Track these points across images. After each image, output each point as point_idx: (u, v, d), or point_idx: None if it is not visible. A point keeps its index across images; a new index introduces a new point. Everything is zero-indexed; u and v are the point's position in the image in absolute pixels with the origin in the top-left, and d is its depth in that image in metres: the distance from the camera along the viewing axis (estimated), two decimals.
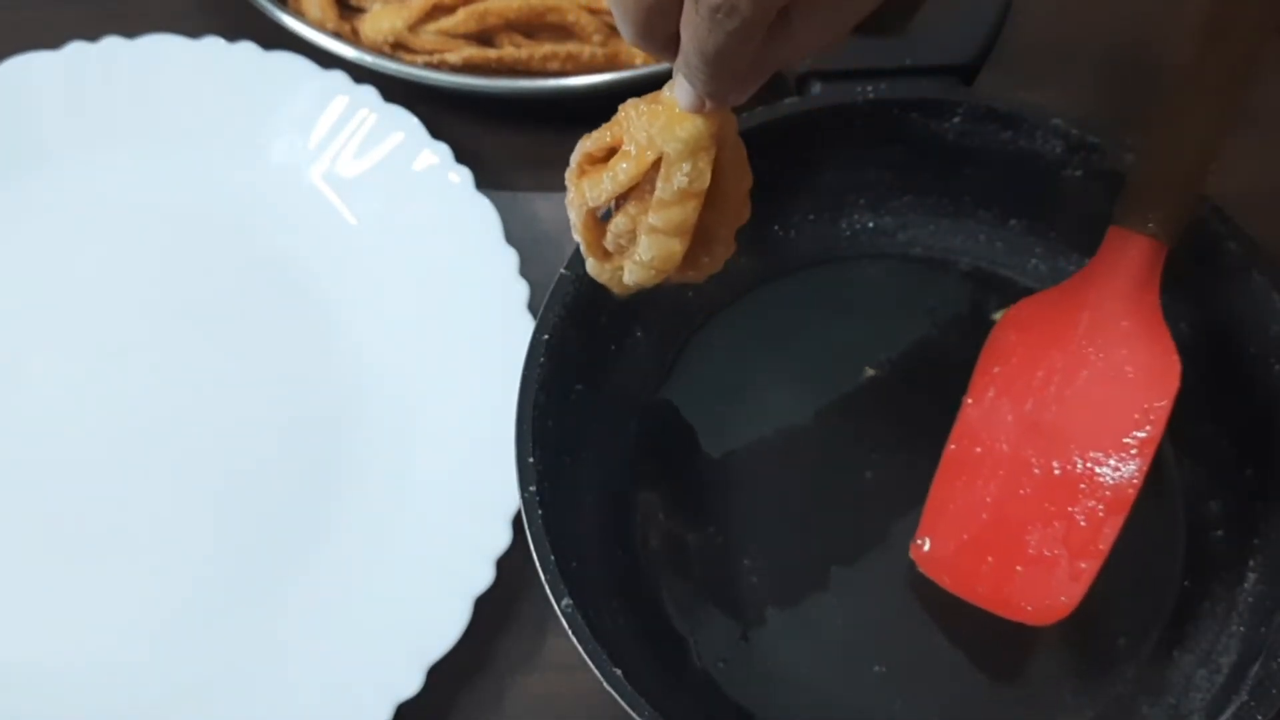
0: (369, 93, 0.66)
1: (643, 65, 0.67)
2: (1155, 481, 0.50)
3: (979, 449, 0.54)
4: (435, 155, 0.65)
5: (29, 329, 0.64)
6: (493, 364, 0.60)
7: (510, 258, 0.62)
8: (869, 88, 0.59)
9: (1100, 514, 0.51)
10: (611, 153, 0.49)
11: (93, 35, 0.68)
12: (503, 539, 0.56)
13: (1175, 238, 0.52)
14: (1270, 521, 0.55)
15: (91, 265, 0.65)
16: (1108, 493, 0.51)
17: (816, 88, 0.59)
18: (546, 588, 0.51)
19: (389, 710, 0.53)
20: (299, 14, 0.68)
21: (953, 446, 0.55)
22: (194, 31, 0.68)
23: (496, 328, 0.61)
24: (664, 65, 0.66)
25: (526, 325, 0.60)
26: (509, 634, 0.58)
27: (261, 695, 0.55)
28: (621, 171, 0.48)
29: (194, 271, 0.65)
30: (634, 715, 0.49)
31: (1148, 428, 0.51)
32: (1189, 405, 0.53)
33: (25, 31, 0.70)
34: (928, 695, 0.54)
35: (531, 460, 0.53)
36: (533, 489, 0.52)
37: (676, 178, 0.47)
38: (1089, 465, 0.52)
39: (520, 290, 0.62)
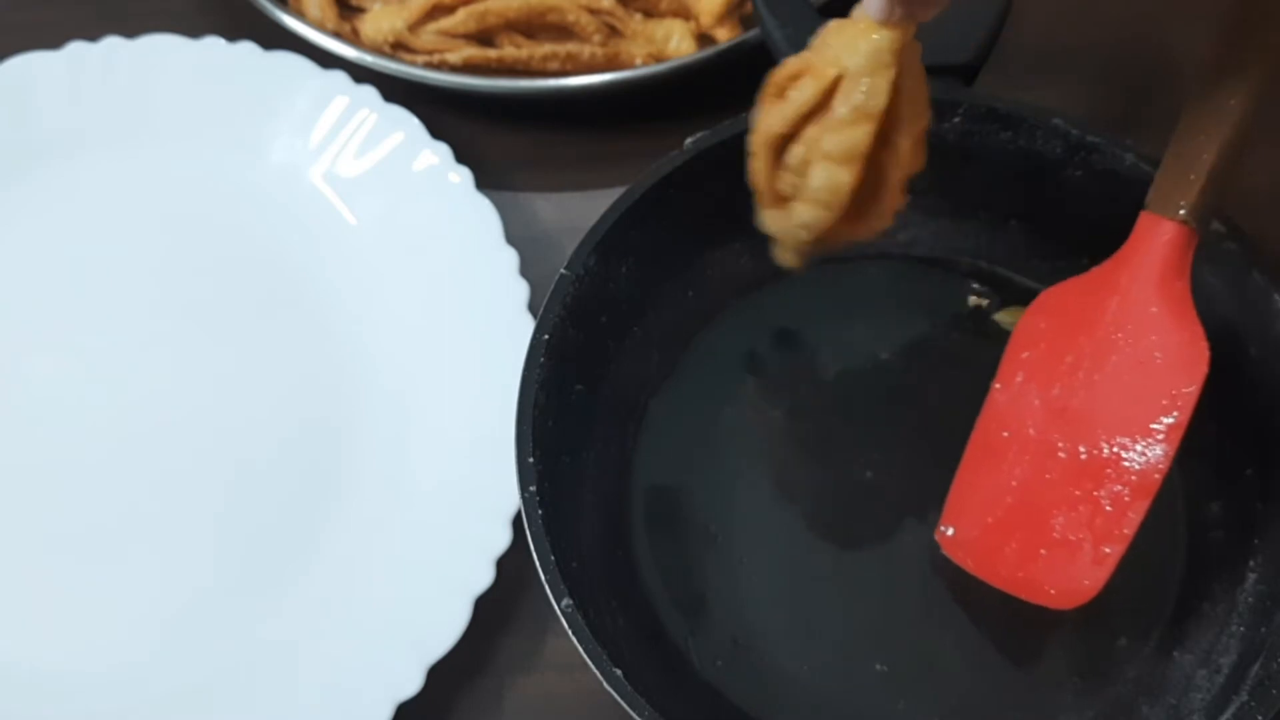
0: (369, 93, 0.66)
1: (643, 65, 0.67)
2: None
3: (1006, 433, 0.55)
4: (435, 155, 0.65)
5: (29, 329, 0.64)
6: (493, 364, 0.60)
7: (510, 258, 0.62)
8: None
9: (1126, 498, 0.51)
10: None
11: (93, 35, 0.68)
12: (503, 539, 0.56)
13: (1206, 224, 0.52)
14: (1270, 522, 0.55)
15: (91, 265, 0.65)
16: (1133, 477, 0.51)
17: None
18: (546, 588, 0.51)
19: (389, 710, 0.53)
20: (299, 14, 0.68)
21: (979, 431, 0.55)
22: (194, 31, 0.68)
23: (496, 328, 0.61)
24: (664, 65, 0.66)
25: (526, 325, 0.60)
26: (509, 634, 0.58)
27: (262, 695, 0.55)
28: (804, 90, 0.48)
29: (194, 271, 0.65)
30: (634, 715, 0.48)
31: (1175, 413, 0.51)
32: None
33: (26, 31, 0.70)
34: (928, 695, 0.54)
35: (531, 460, 0.53)
36: (533, 489, 0.52)
37: (855, 94, 0.47)
38: (1115, 450, 0.51)
39: (520, 290, 0.62)
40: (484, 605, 0.55)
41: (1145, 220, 0.53)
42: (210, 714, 0.55)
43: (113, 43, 0.68)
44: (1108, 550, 0.51)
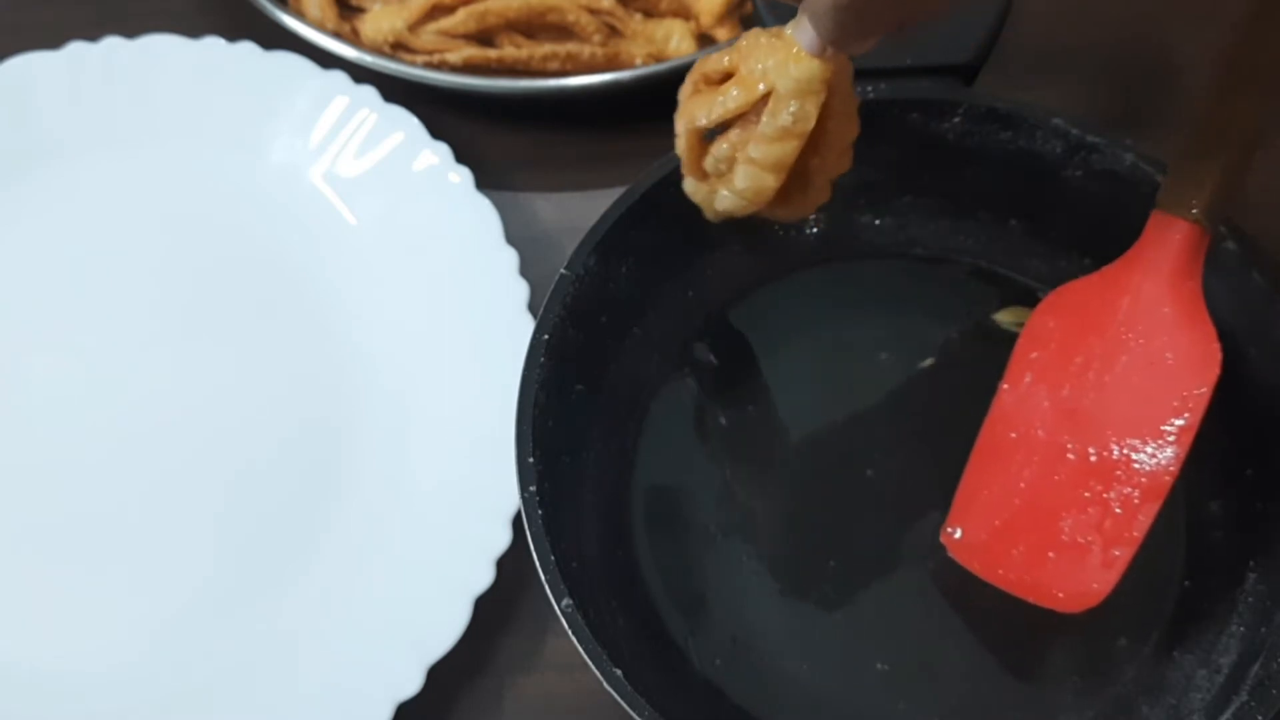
0: (369, 93, 0.66)
1: (643, 65, 0.67)
2: None
3: (1014, 435, 0.54)
4: (435, 155, 0.65)
5: (29, 329, 0.64)
6: (493, 364, 0.60)
7: (510, 258, 0.62)
8: (869, 88, 0.59)
9: (1135, 501, 0.50)
10: (727, 77, 0.49)
11: (93, 35, 0.68)
12: (503, 539, 0.56)
13: (1218, 224, 0.52)
14: (1270, 522, 0.55)
15: (91, 265, 0.65)
16: (1144, 480, 0.51)
17: None
18: (546, 588, 0.51)
19: (389, 710, 0.53)
20: (299, 14, 0.68)
21: (987, 432, 0.55)
22: (194, 31, 0.68)
23: (496, 328, 0.61)
24: (664, 65, 0.66)
25: (526, 325, 0.60)
26: (509, 634, 0.58)
27: (262, 694, 0.55)
28: (731, 99, 0.49)
29: (194, 271, 0.65)
30: (634, 715, 0.49)
31: (1186, 415, 0.50)
32: None
33: (26, 32, 0.70)
34: (928, 695, 0.54)
35: (531, 460, 0.53)
36: (533, 489, 0.52)
37: (782, 115, 0.48)
38: (1125, 452, 0.51)
39: (520, 290, 0.62)
40: (484, 605, 0.55)
41: (1157, 219, 0.52)
42: (210, 714, 0.55)
43: (113, 43, 0.68)
44: (1117, 553, 0.50)
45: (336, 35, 0.67)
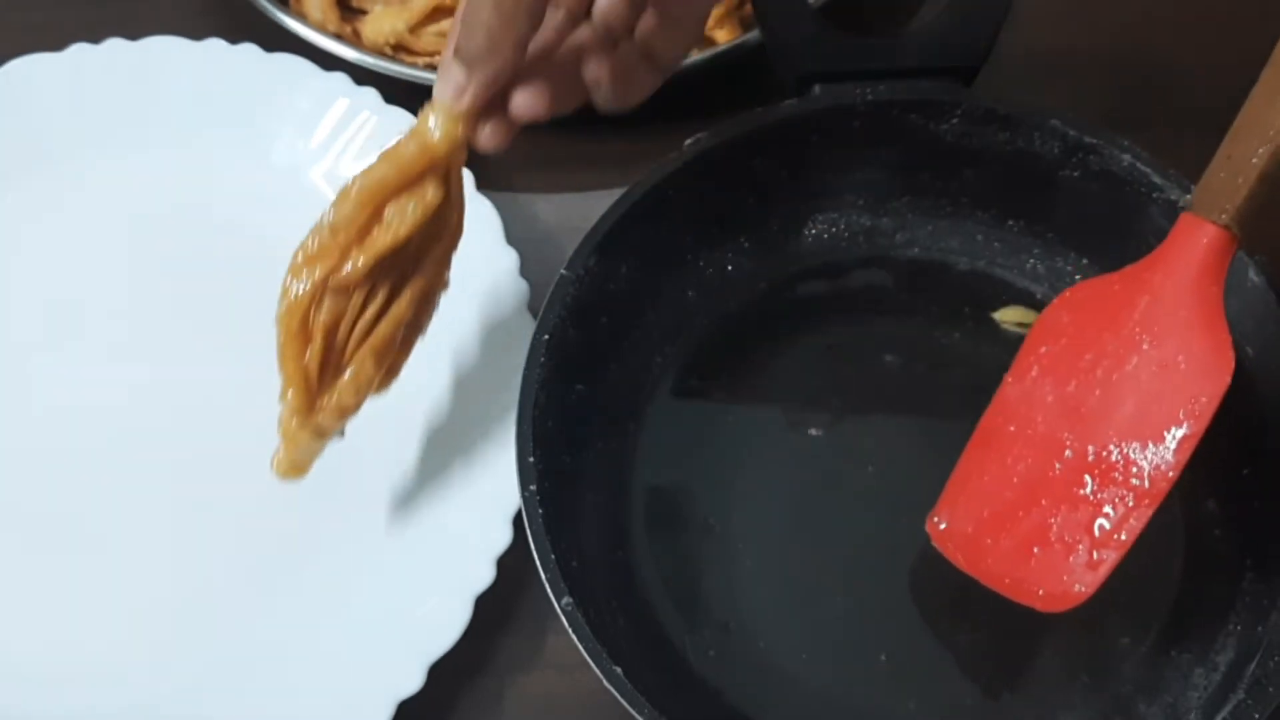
0: (370, 95, 0.66)
1: None
2: None
3: (1013, 427, 0.54)
4: None
5: (30, 330, 0.64)
6: (493, 364, 0.60)
7: (510, 258, 0.62)
8: (868, 89, 0.59)
9: (1128, 505, 0.50)
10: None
11: (95, 37, 0.68)
12: (503, 538, 0.56)
13: (1248, 231, 0.51)
14: (1267, 521, 0.55)
15: (93, 266, 0.65)
16: (1139, 484, 0.50)
17: (816, 89, 0.60)
18: (547, 587, 0.51)
19: (390, 708, 0.54)
20: (300, 16, 0.68)
21: (985, 423, 0.54)
22: (196, 33, 0.68)
23: (496, 328, 0.61)
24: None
25: (526, 325, 0.60)
26: (509, 633, 0.58)
27: (262, 693, 0.55)
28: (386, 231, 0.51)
29: (196, 272, 0.65)
30: (634, 714, 0.49)
31: (1190, 423, 0.49)
32: None
33: (28, 33, 0.70)
34: (926, 693, 0.55)
35: (531, 460, 0.53)
36: (533, 488, 0.52)
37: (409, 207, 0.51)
38: (1124, 454, 0.51)
39: (520, 290, 0.62)
40: (485, 604, 0.56)
41: (1186, 221, 0.51)
42: (210, 713, 0.55)
43: (115, 44, 0.68)
44: (1103, 556, 0.50)
45: (338, 37, 0.67)
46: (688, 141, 0.59)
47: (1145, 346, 0.51)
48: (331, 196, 0.66)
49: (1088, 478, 0.51)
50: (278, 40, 0.67)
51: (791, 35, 0.60)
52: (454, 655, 0.55)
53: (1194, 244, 0.51)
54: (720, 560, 0.57)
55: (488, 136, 0.52)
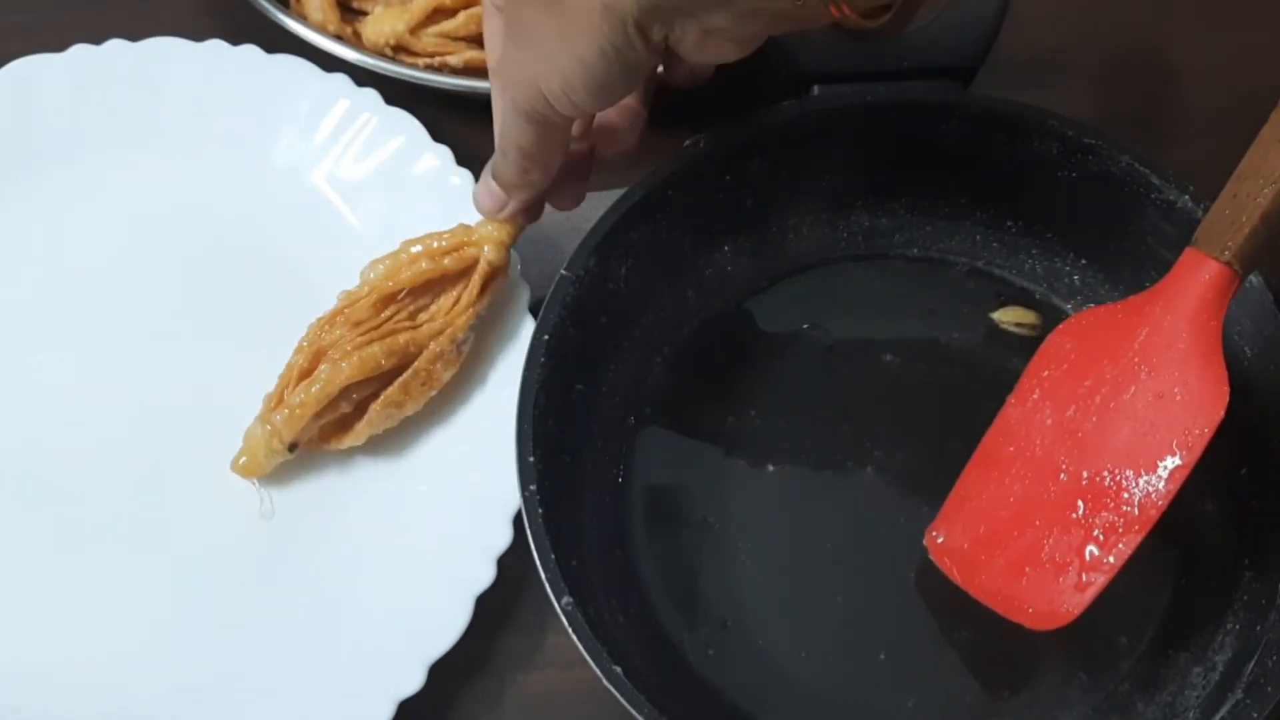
0: (370, 96, 0.66)
1: None
2: None
3: (1012, 448, 0.55)
4: (436, 158, 0.65)
5: (30, 330, 0.64)
6: (493, 364, 0.60)
7: (511, 258, 0.62)
8: (867, 90, 0.59)
9: (1118, 531, 0.51)
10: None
11: (96, 38, 0.68)
12: (503, 538, 0.56)
13: (1250, 268, 0.52)
14: (1265, 521, 0.55)
15: (94, 267, 0.65)
16: (1130, 510, 0.51)
17: (815, 90, 0.60)
18: (547, 586, 0.51)
19: (390, 707, 0.54)
20: (301, 17, 0.68)
21: (986, 443, 0.55)
22: (197, 34, 0.68)
23: (497, 328, 0.61)
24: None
25: (526, 325, 0.60)
26: (510, 632, 0.58)
27: (264, 692, 0.55)
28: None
29: (197, 274, 0.65)
30: (634, 712, 0.49)
31: (1183, 454, 0.50)
32: None
33: (29, 34, 0.70)
34: (925, 691, 0.55)
35: (531, 460, 0.53)
36: (533, 488, 0.52)
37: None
38: (1117, 480, 0.51)
39: (520, 290, 0.62)
40: (485, 603, 0.56)
41: (1189, 256, 0.52)
42: (212, 712, 0.55)
43: (116, 45, 0.68)
44: (1091, 579, 0.51)
45: (338, 38, 0.67)
46: (687, 142, 0.59)
47: (1143, 376, 0.52)
48: (333, 198, 0.67)
49: (1080, 502, 0.52)
50: (278, 41, 0.68)
51: (791, 36, 0.60)
52: (454, 655, 0.55)
53: (1196, 279, 0.52)
54: (719, 559, 0.57)
55: (531, 218, 0.59)
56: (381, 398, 0.58)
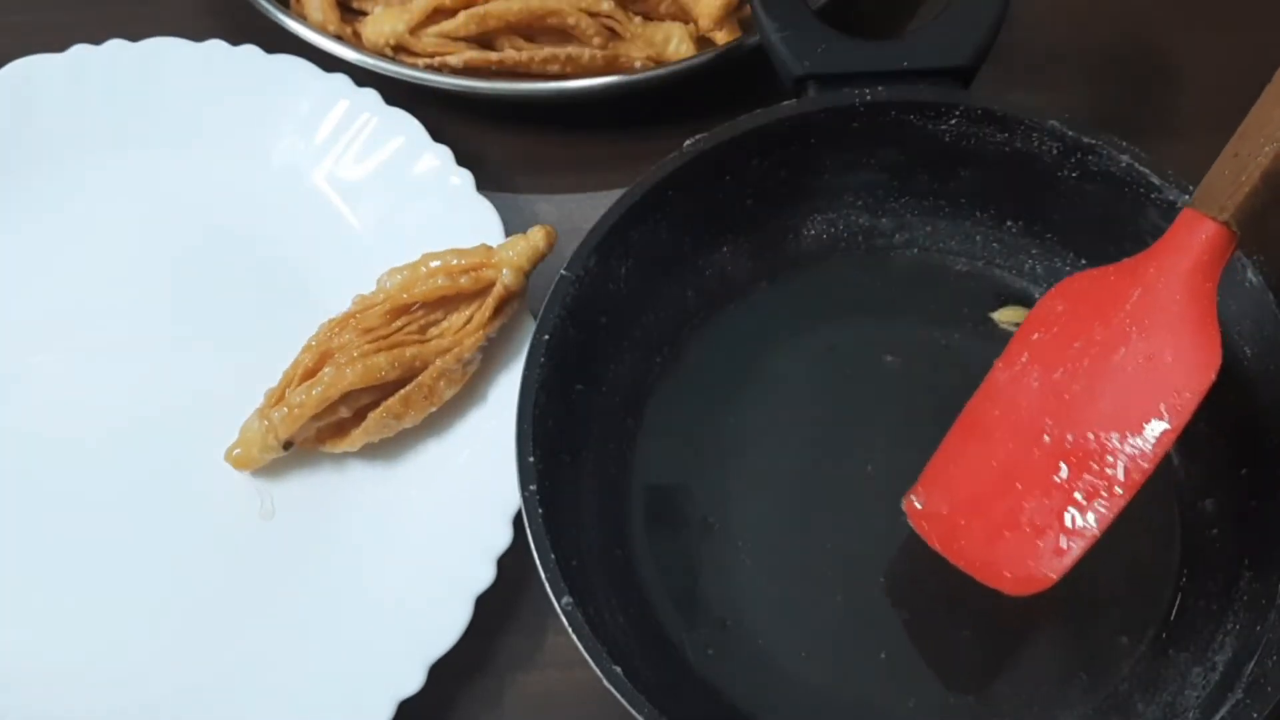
0: (370, 96, 0.66)
1: (642, 68, 0.67)
2: (1152, 480, 0.50)
3: (997, 412, 0.54)
4: (436, 158, 0.65)
5: (30, 330, 0.64)
6: (494, 367, 0.60)
7: (527, 288, 0.62)
8: (867, 90, 0.59)
9: (1100, 494, 0.50)
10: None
11: (96, 38, 0.68)
12: (503, 538, 0.57)
13: (1247, 229, 0.50)
14: (1265, 520, 0.55)
15: (94, 267, 0.65)
16: (1113, 475, 0.50)
17: (814, 90, 0.60)
18: (547, 586, 0.51)
19: (390, 707, 0.54)
20: (301, 17, 0.68)
21: (971, 407, 0.54)
22: (197, 35, 0.68)
23: (503, 346, 0.61)
24: (664, 68, 0.66)
25: (527, 325, 0.60)
26: (510, 632, 0.58)
27: (264, 692, 0.55)
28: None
29: (196, 273, 0.65)
30: (634, 712, 0.49)
31: (1171, 417, 0.49)
32: None
33: (29, 34, 0.70)
34: (925, 690, 0.55)
35: (531, 460, 0.53)
36: (533, 488, 0.52)
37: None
38: (1101, 443, 0.50)
39: (528, 320, 0.62)
40: (485, 603, 0.56)
41: (1186, 216, 0.51)
42: (212, 712, 0.55)
43: (116, 45, 0.68)
44: (1071, 544, 0.50)
45: (338, 38, 0.68)
46: (687, 142, 0.59)
47: (1134, 338, 0.51)
48: (333, 198, 0.67)
49: (1063, 465, 0.51)
50: (279, 41, 0.68)
51: (790, 36, 0.60)
52: (454, 655, 0.55)
53: (1192, 238, 0.51)
54: (719, 559, 0.57)
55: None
56: (381, 407, 0.58)
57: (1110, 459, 0.50)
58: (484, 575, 0.56)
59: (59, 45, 0.68)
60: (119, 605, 0.58)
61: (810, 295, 0.63)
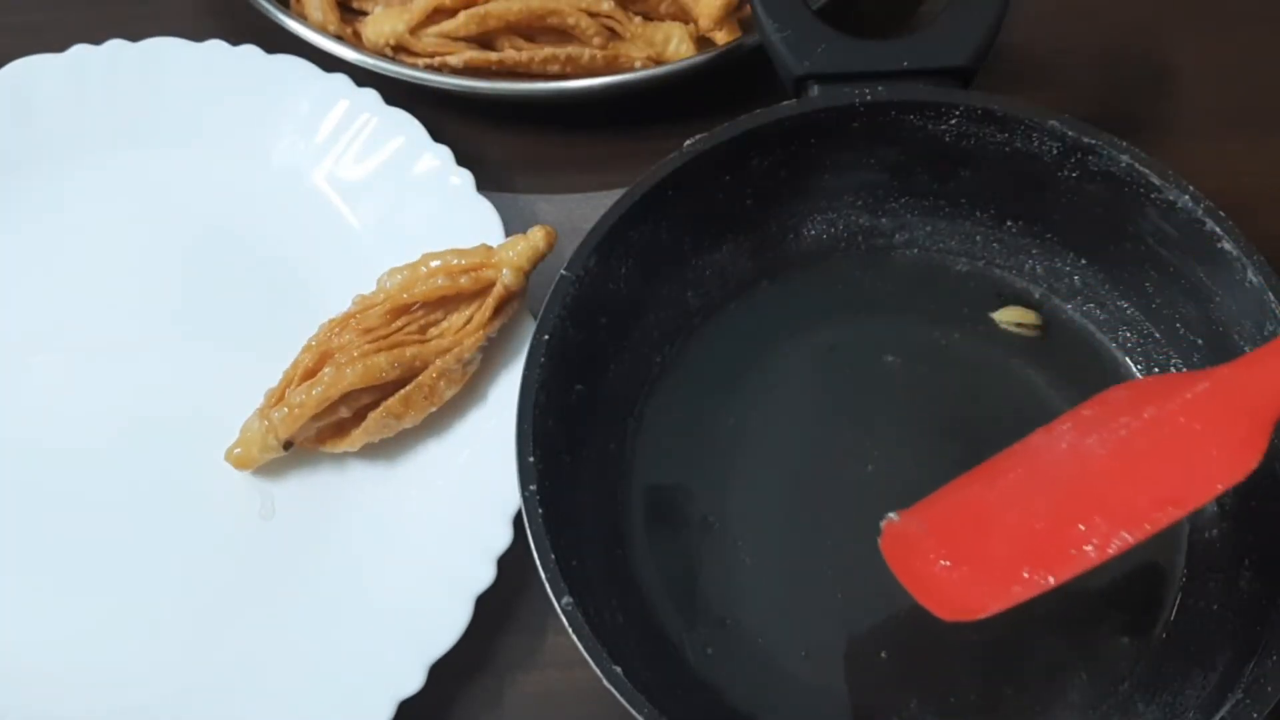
0: (370, 96, 0.66)
1: (642, 68, 0.67)
2: None
3: (1015, 463, 0.53)
4: (436, 158, 0.65)
5: (30, 330, 0.64)
6: (495, 368, 0.60)
7: (527, 288, 0.62)
8: (867, 90, 0.59)
9: (1068, 557, 0.48)
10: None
11: (96, 38, 0.68)
12: (503, 538, 0.57)
13: None
14: (1265, 521, 0.55)
15: (94, 267, 0.65)
16: (1090, 542, 0.48)
17: (814, 90, 0.60)
18: (547, 586, 0.51)
19: (391, 707, 0.54)
20: (301, 17, 0.68)
21: (996, 459, 0.53)
22: (197, 35, 0.68)
23: (502, 346, 0.61)
24: (664, 68, 0.66)
25: (527, 325, 0.60)
26: (510, 632, 0.58)
27: (265, 693, 0.55)
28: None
29: (196, 273, 0.65)
30: (634, 712, 0.49)
31: (1186, 503, 0.48)
32: None
33: (30, 34, 0.70)
34: (925, 690, 0.55)
35: (531, 460, 0.53)
36: (533, 488, 0.52)
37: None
38: (1095, 510, 0.49)
39: (528, 320, 0.62)
40: (485, 603, 0.56)
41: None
42: (212, 712, 0.55)
43: (116, 45, 0.68)
44: (1014, 592, 0.49)
45: (338, 38, 0.68)
46: (687, 142, 0.59)
47: (1182, 422, 0.49)
48: (333, 198, 0.67)
49: (1050, 517, 0.50)
50: (279, 42, 0.68)
51: (790, 36, 0.60)
52: (454, 655, 0.55)
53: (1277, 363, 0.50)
54: (719, 558, 0.57)
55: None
56: (381, 408, 0.58)
57: (1084, 532, 0.49)
58: (484, 575, 0.56)
59: (59, 45, 0.68)
60: (119, 605, 0.58)
61: (810, 295, 0.63)
